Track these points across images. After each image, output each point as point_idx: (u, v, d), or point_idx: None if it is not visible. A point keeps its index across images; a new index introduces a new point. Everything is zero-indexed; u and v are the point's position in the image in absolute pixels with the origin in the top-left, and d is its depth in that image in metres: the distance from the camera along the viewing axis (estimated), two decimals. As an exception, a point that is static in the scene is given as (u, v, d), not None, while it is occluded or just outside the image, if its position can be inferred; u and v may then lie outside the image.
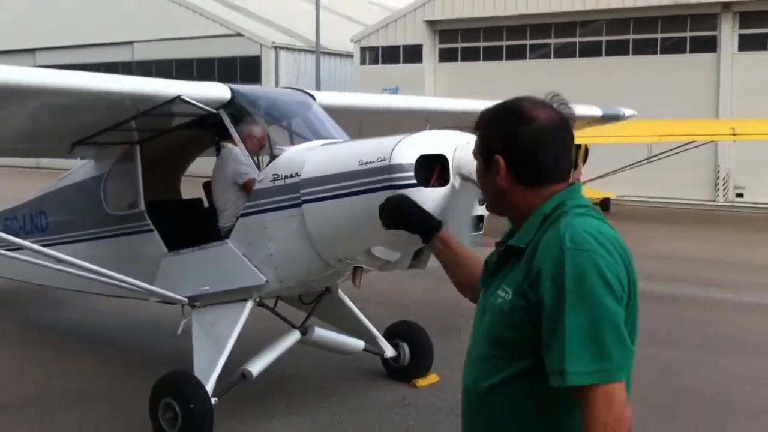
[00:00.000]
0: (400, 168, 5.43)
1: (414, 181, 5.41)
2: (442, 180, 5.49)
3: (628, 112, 11.61)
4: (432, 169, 5.49)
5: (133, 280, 6.62)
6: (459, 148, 5.54)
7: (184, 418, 5.90)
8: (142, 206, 7.19)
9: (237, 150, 6.79)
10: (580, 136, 19.04)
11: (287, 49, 35.69)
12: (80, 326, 9.84)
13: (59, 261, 6.45)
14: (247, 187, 6.68)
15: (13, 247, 6.76)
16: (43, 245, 7.17)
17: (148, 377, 6.48)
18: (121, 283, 6.64)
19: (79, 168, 8.28)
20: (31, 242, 6.95)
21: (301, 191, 5.92)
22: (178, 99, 6.32)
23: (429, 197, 5.43)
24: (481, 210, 5.65)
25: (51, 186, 8.86)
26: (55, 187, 8.67)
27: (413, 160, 5.43)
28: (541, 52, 29.96)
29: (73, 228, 7.98)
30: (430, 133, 5.98)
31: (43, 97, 5.91)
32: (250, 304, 6.50)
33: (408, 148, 5.49)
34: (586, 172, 22.40)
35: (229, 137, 6.79)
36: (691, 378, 7.79)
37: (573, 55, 29.17)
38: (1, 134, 6.98)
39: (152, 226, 7.12)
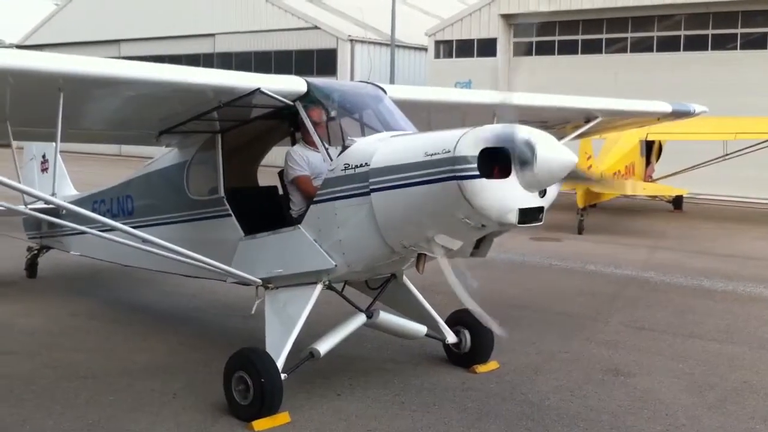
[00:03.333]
0: (463, 160, 5.70)
1: (477, 173, 5.68)
2: (504, 172, 5.74)
3: (698, 108, 11.54)
4: (495, 161, 5.74)
5: (213, 262, 7.03)
6: (522, 141, 5.77)
7: (256, 390, 6.29)
8: (222, 192, 7.61)
9: (294, 149, 7.19)
10: (654, 133, 18.97)
11: (363, 42, 36.10)
12: (161, 306, 10.43)
13: (146, 242, 6.90)
14: (294, 184, 7.10)
15: (105, 228, 7.24)
16: (130, 227, 7.65)
17: (222, 354, 6.92)
18: (202, 264, 7.05)
19: (163, 155, 8.75)
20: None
21: (370, 180, 6.23)
22: (258, 91, 6.70)
23: (490, 188, 5.70)
24: (540, 201, 5.88)
25: (136, 172, 9.38)
26: (140, 173, 9.18)
27: (477, 153, 5.69)
28: (617, 47, 29.61)
29: (158, 211, 8.46)
30: (494, 126, 6.23)
31: (135, 88, 6.36)
32: (319, 287, 6.86)
33: (472, 141, 5.75)
34: (659, 169, 22.20)
35: (303, 127, 7.15)
36: (748, 374, 7.84)
37: (650, 50, 28.77)
38: (96, 121, 7.46)
39: (230, 211, 7.54)
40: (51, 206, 9.04)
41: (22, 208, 8.40)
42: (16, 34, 51.78)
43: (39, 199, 7.01)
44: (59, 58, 5.91)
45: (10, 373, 7.52)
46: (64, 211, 8.98)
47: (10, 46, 48.57)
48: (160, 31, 40.98)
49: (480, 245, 6.37)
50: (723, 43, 27.23)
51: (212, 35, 40.11)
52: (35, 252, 11.73)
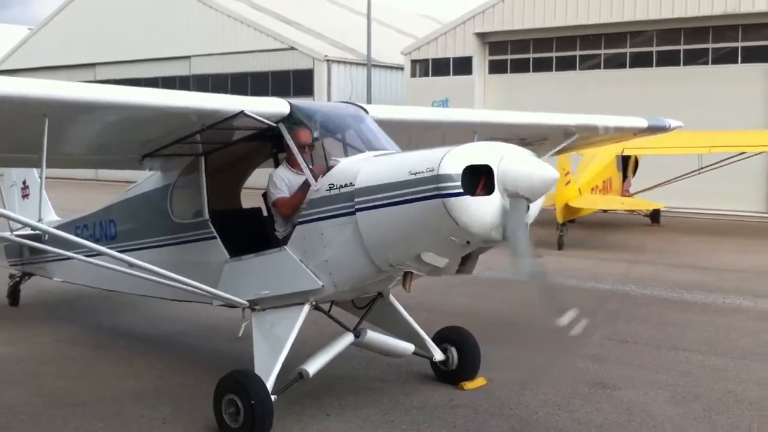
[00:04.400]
0: (448, 178, 5.78)
1: (461, 190, 5.76)
2: (488, 189, 5.83)
3: (674, 123, 11.74)
4: (478, 178, 5.83)
5: (200, 284, 7.04)
6: (504, 158, 5.86)
7: (246, 413, 6.30)
8: (206, 215, 7.63)
9: (276, 172, 7.24)
10: (631, 148, 19.21)
11: (339, 62, 36.26)
12: (145, 330, 10.37)
13: (133, 266, 6.89)
14: (275, 207, 7.16)
15: (91, 253, 7.23)
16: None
17: (209, 376, 6.93)
18: (188, 287, 7.05)
19: (145, 179, 8.76)
20: None
21: (355, 200, 6.30)
22: (242, 113, 6.75)
23: (474, 205, 5.78)
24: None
25: (118, 196, 9.37)
26: (122, 198, 9.17)
27: (460, 170, 5.78)
28: (591, 63, 30.01)
29: (141, 235, 8.46)
30: (477, 144, 6.32)
31: (120, 113, 6.38)
32: (306, 308, 6.90)
33: (455, 159, 5.84)
34: (636, 183, 22.45)
35: (287, 149, 7.20)
36: (732, 384, 7.94)
37: (623, 66, 29.18)
38: (79, 146, 7.46)
39: (215, 234, 7.56)
40: (35, 232, 9.02)
41: (8, 234, 8.38)
42: (-11, 59, 51.42)
43: (26, 225, 6.99)
44: (44, 84, 5.93)
45: (-6, 402, 7.47)
46: (46, 237, 8.98)
47: (-17, 71, 48.37)
48: (136, 54, 40.90)
49: (466, 262, 6.43)
50: (695, 58, 27.67)
51: (188, 57, 40.07)
52: (17, 279, 11.64)
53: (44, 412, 7.18)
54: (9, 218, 6.74)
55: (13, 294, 11.75)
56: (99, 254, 7.06)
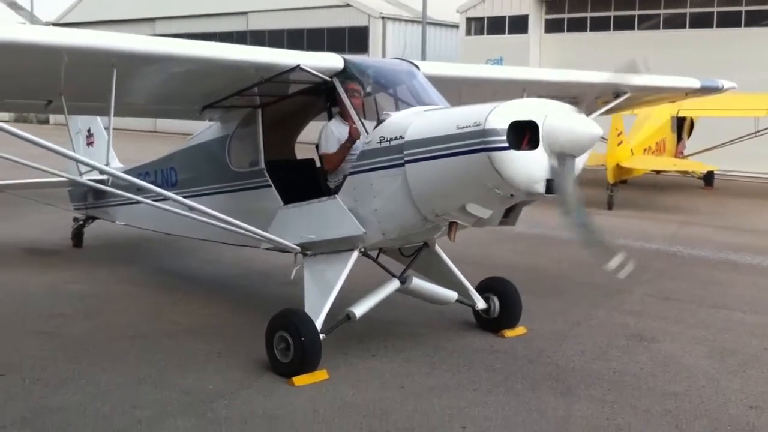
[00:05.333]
0: (493, 132, 6.02)
1: (506, 145, 6.00)
2: (532, 144, 6.05)
3: (727, 84, 11.70)
4: (523, 133, 6.05)
5: (256, 229, 7.42)
6: (549, 115, 6.07)
7: (296, 349, 6.69)
8: (262, 164, 7.99)
9: (329, 125, 7.53)
10: (686, 109, 19.04)
11: (394, 19, 36.24)
12: (205, 273, 10.89)
13: (193, 210, 7.30)
14: (321, 160, 7.52)
15: (158, 198, 7.66)
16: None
17: (262, 317, 7.32)
18: (244, 231, 7.44)
19: (204, 130, 9.15)
20: None
21: (405, 152, 6.57)
22: (298, 68, 7.06)
23: (519, 159, 6.01)
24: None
25: (179, 146, 9.79)
26: (183, 147, 9.59)
27: (506, 125, 6.01)
28: (649, 23, 29.52)
29: (200, 183, 8.86)
30: (523, 100, 6.54)
31: (183, 65, 6.75)
32: (355, 254, 7.23)
33: (501, 114, 6.06)
34: (691, 145, 22.24)
35: (340, 103, 7.49)
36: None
37: (683, 27, 28.65)
38: (144, 96, 7.85)
39: (270, 182, 7.92)
40: (101, 177, 9.51)
41: (78, 178, 8.89)
42: (51, 13, 52.61)
43: (96, 169, 7.43)
44: (113, 36, 6.32)
45: (63, 333, 8.01)
46: (110, 182, 9.46)
47: (46, 24, 49.38)
48: (194, 9, 41.40)
49: (509, 214, 6.70)
50: (757, 19, 27.02)
51: (245, 13, 40.45)
52: (81, 222, 12.24)
53: (108, 343, 7.69)
54: (81, 162, 7.20)
55: (77, 236, 12.38)
56: (162, 199, 7.48)
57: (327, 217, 7.24)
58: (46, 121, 46.87)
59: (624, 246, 13.04)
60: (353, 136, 7.19)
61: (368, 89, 7.55)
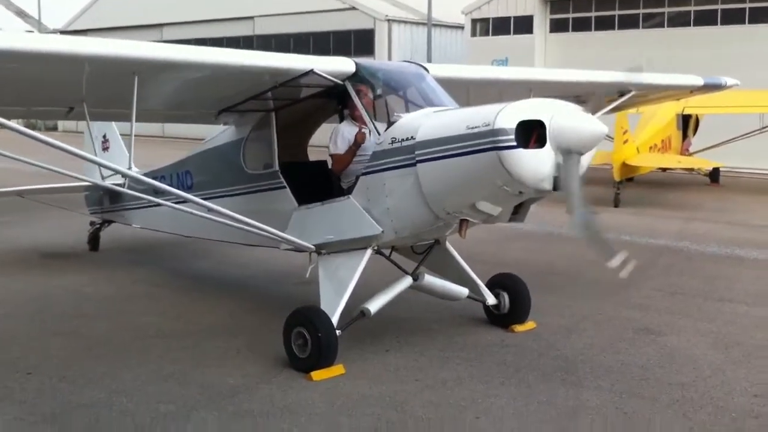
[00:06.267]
0: (502, 132, 6.23)
1: (515, 143, 6.21)
2: (540, 143, 6.26)
3: (730, 81, 11.89)
4: (531, 132, 6.27)
5: (273, 230, 7.64)
6: (556, 114, 6.28)
7: (313, 344, 6.91)
8: (277, 166, 8.22)
9: (340, 127, 7.75)
10: (691, 107, 19.21)
11: (400, 21, 36.47)
12: (220, 275, 11.14)
13: (212, 212, 7.52)
14: (331, 159, 7.77)
15: (178, 201, 7.89)
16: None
17: (278, 315, 7.53)
18: (261, 232, 7.66)
19: (219, 134, 9.37)
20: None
21: (416, 152, 6.79)
22: (311, 72, 7.29)
23: (527, 158, 6.22)
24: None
25: (193, 150, 10.03)
26: (197, 151, 9.82)
27: (514, 125, 6.23)
28: (654, 21, 29.68)
29: (216, 185, 9.08)
30: (531, 101, 6.75)
31: (202, 71, 6.97)
32: (369, 252, 7.45)
33: (510, 114, 6.28)
34: (696, 142, 22.40)
35: (351, 105, 7.71)
36: (775, 333, 8.31)
37: (687, 24, 28.81)
38: (162, 102, 8.08)
39: (285, 184, 8.14)
40: (117, 182, 9.74)
41: (101, 182, 9.15)
42: (59, 19, 52.99)
43: (119, 173, 7.66)
44: (135, 44, 6.56)
45: (87, 334, 8.24)
46: (126, 186, 9.71)
47: (54, 31, 49.75)
48: (201, 14, 41.72)
49: (518, 211, 6.93)
50: (761, 16, 27.15)
51: (252, 18, 40.74)
52: (98, 226, 12.49)
53: (130, 342, 7.92)
54: (106, 166, 7.45)
55: (94, 240, 12.61)
56: (180, 201, 7.71)
57: (344, 217, 7.45)
58: (54, 128, 47.28)
59: (631, 243, 13.36)
60: (359, 141, 7.43)
61: (379, 91, 7.76)
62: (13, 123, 6.33)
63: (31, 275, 10.97)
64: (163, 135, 40.93)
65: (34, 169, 7.40)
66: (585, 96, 10.27)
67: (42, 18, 53.47)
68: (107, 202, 11.88)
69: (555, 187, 6.36)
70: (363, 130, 7.55)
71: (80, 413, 6.18)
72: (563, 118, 6.26)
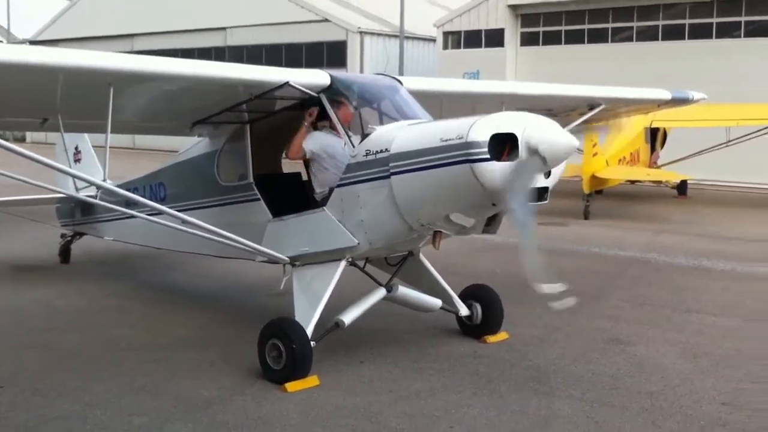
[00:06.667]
0: (476, 144, 6.32)
1: (488, 156, 6.30)
2: (513, 156, 6.35)
3: (697, 95, 12.12)
4: (504, 145, 6.36)
5: (247, 241, 7.65)
6: (528, 127, 6.38)
7: (288, 356, 6.92)
8: (251, 178, 8.24)
9: (315, 133, 7.72)
10: (659, 120, 19.52)
11: (372, 34, 36.64)
12: (193, 287, 11.12)
13: (186, 224, 7.52)
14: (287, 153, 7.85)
15: (152, 212, 7.87)
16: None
17: (252, 327, 7.57)
18: (235, 243, 7.67)
19: (193, 146, 9.37)
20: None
21: (390, 164, 6.86)
22: (287, 84, 7.33)
23: (500, 170, 6.31)
24: (545, 182, 6.49)
25: (167, 162, 10.01)
26: (171, 162, 9.80)
27: (487, 138, 6.32)
28: (623, 36, 30.12)
29: (190, 197, 9.06)
30: (503, 114, 6.85)
31: (177, 83, 6.99)
32: (343, 264, 7.49)
33: (483, 127, 6.38)
34: (664, 155, 22.73)
35: (327, 118, 7.75)
36: (740, 342, 8.44)
37: (655, 39, 29.27)
38: (137, 114, 8.03)
39: (259, 196, 8.17)
40: (89, 194, 9.69)
41: (76, 194, 9.11)
42: (29, 29, 52.48)
43: (94, 185, 7.63)
44: (111, 56, 6.56)
45: (58, 347, 8.18)
46: (98, 197, 9.66)
47: (23, 41, 49.28)
48: (173, 25, 41.56)
49: (491, 222, 7.03)
50: (728, 30, 27.69)
51: (224, 29, 40.69)
52: (69, 238, 12.40)
53: (103, 355, 7.89)
54: (80, 178, 7.42)
55: (65, 252, 12.53)
56: (154, 213, 7.70)
57: (319, 229, 7.49)
58: (23, 139, 46.74)
59: (600, 254, 13.54)
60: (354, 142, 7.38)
61: (354, 104, 7.81)
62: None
63: (1, 288, 10.87)
64: (134, 147, 40.69)
65: (4, 181, 7.33)
66: (556, 109, 10.43)
67: (11, 28, 52.99)
68: (79, 214, 11.81)
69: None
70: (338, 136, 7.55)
71: (54, 426, 6.15)
72: (535, 131, 6.36)
